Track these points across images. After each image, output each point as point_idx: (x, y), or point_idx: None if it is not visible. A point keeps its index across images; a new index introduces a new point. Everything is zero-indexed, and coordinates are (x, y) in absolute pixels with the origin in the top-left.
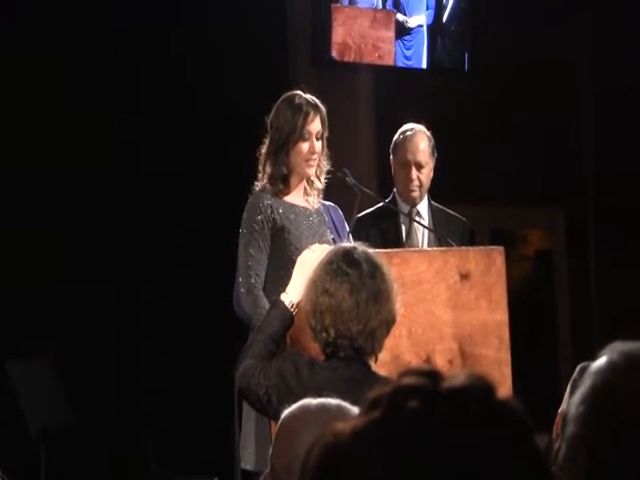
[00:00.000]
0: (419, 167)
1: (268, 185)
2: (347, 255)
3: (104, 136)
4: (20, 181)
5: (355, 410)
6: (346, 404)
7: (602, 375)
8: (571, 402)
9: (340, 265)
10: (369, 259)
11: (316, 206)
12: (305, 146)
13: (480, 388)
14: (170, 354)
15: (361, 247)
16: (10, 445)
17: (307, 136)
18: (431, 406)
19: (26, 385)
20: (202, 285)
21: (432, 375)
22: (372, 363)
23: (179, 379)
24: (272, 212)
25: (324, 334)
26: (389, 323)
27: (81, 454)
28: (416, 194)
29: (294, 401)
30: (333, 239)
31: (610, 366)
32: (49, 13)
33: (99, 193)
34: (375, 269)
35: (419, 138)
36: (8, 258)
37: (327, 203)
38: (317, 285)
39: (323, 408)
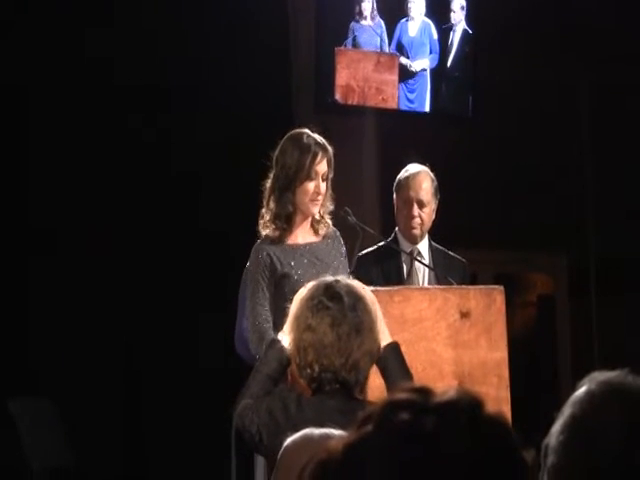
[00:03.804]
0: (421, 205)
1: (271, 226)
2: (328, 289)
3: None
4: None
5: None
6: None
7: (580, 405)
8: (552, 432)
9: (321, 299)
10: (351, 292)
11: (322, 233)
12: (311, 185)
13: (468, 402)
14: (172, 394)
15: (343, 280)
16: None
17: (314, 176)
18: (421, 419)
19: (28, 424)
20: (203, 332)
21: (422, 391)
22: (359, 394)
23: (181, 419)
24: (272, 262)
25: (308, 370)
26: (373, 354)
27: None
28: (417, 232)
29: (282, 437)
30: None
31: (588, 396)
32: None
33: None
34: (357, 301)
35: (422, 177)
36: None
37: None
38: (300, 322)
39: (326, 437)
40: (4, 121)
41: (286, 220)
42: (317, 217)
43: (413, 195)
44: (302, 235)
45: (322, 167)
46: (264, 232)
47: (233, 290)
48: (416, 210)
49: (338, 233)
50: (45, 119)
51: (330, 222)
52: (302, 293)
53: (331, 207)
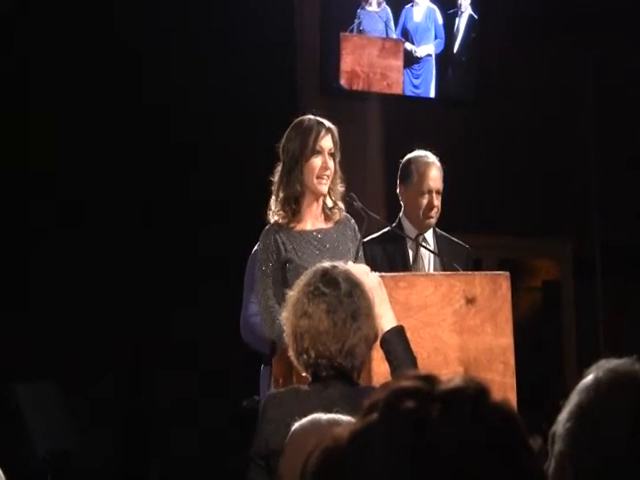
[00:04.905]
0: (438, 194)
1: (280, 212)
2: (325, 275)
3: None
4: None
5: None
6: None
7: (587, 392)
8: (559, 420)
9: (318, 286)
10: (348, 277)
11: (335, 219)
12: (318, 161)
13: (474, 390)
14: (178, 376)
15: (341, 265)
16: (17, 468)
17: (319, 150)
18: (426, 407)
19: (33, 408)
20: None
21: (428, 378)
22: (356, 380)
23: (186, 403)
24: (277, 247)
25: (304, 356)
26: (369, 339)
27: (87, 478)
28: (434, 220)
29: (289, 428)
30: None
31: (595, 384)
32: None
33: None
34: (353, 287)
35: (437, 166)
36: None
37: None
38: (296, 308)
39: (334, 423)
40: (4, 120)
41: (295, 202)
42: (329, 203)
43: (433, 186)
44: (312, 221)
45: (326, 142)
46: (273, 220)
47: (234, 290)
48: (436, 200)
49: (353, 220)
50: (45, 119)
51: (343, 207)
52: (302, 279)
53: (342, 189)
